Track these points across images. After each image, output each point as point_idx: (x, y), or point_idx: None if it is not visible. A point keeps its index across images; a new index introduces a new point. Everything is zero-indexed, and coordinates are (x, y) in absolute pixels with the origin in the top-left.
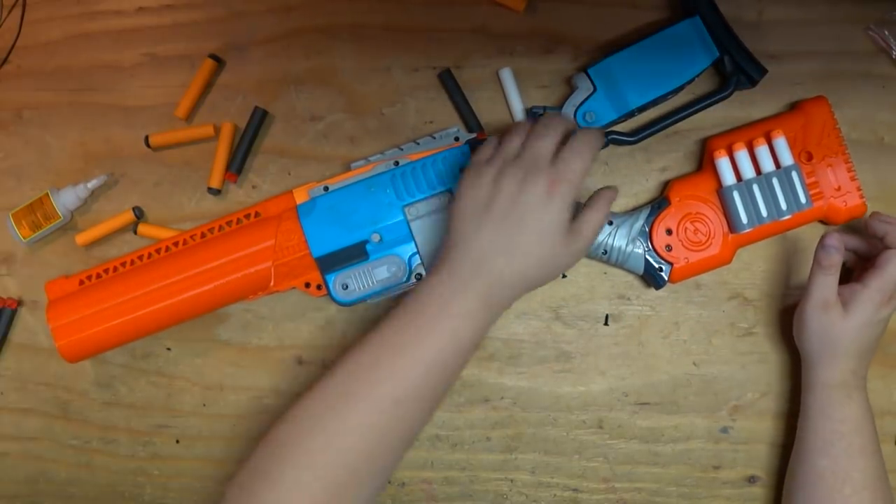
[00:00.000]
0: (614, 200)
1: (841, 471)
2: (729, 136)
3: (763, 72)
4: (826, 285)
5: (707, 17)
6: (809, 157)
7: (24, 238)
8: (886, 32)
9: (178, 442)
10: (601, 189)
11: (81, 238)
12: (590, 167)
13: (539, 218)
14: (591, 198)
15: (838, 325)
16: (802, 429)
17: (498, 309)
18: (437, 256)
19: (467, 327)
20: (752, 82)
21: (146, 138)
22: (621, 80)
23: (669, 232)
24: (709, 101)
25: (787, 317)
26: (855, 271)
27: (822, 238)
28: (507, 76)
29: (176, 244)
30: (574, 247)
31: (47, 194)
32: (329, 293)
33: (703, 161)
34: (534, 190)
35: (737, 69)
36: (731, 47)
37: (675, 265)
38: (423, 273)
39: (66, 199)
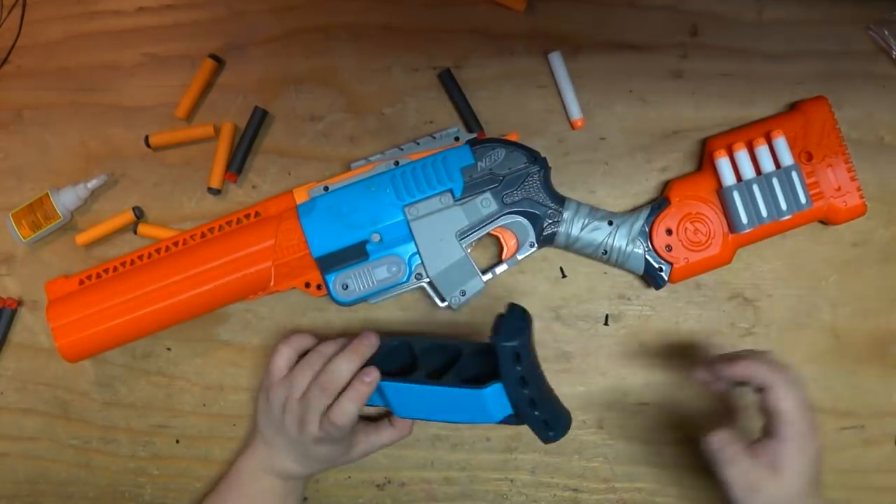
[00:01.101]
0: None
1: None
2: (729, 136)
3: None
4: (743, 471)
5: (511, 389)
6: (809, 157)
7: (24, 238)
8: (886, 32)
9: (178, 442)
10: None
11: (81, 238)
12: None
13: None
14: None
15: (775, 489)
16: None
17: (296, 482)
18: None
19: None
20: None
21: (146, 138)
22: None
23: (669, 232)
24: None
25: (787, 315)
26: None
27: (710, 441)
28: (557, 61)
29: (176, 244)
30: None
31: (47, 194)
32: (329, 293)
33: (703, 161)
34: (308, 433)
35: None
36: (526, 413)
37: (675, 265)
38: (423, 273)
39: (66, 199)
